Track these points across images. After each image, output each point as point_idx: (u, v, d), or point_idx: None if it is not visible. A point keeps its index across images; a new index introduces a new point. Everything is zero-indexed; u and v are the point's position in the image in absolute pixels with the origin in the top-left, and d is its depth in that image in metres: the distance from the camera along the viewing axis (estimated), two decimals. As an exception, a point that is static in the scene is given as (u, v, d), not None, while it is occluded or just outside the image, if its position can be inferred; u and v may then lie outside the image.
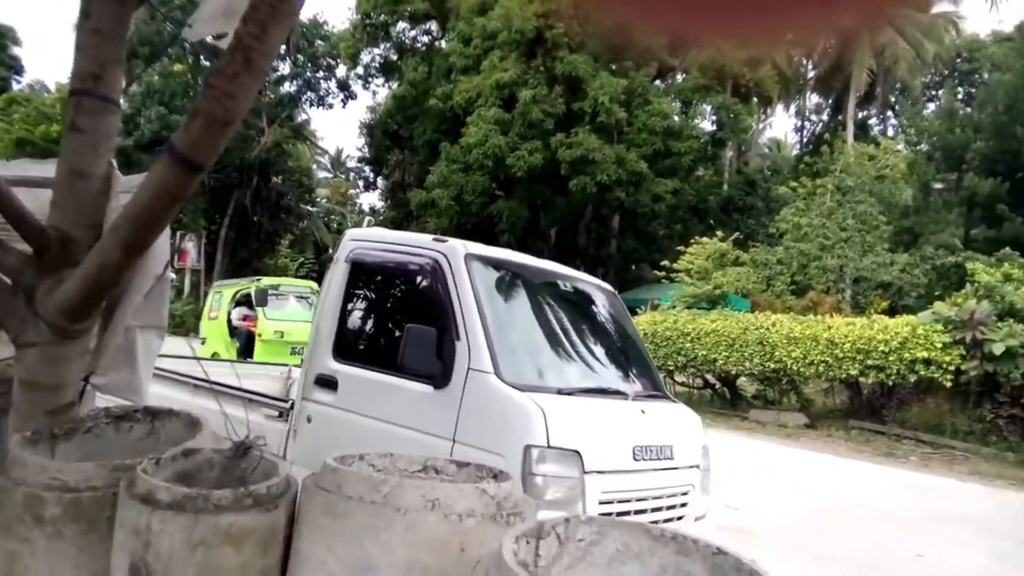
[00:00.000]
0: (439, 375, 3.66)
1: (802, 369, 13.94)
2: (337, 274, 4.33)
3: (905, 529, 7.70)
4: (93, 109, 2.65)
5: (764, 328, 14.79)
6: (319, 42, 33.46)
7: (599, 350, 4.48)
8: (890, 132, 36.39)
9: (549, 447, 3.36)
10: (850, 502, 8.70)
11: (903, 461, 11.64)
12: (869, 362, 12.92)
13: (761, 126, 41.67)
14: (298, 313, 12.90)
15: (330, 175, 50.79)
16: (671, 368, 16.30)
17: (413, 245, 4.21)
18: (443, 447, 3.46)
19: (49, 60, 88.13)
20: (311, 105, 35.37)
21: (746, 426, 14.11)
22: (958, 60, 36.89)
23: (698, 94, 26.97)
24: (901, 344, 12.61)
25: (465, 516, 1.91)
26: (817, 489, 9.29)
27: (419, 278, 4.07)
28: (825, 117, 40.22)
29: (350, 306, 4.30)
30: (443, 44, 32.34)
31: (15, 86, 39.39)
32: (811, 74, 37.09)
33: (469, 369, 3.59)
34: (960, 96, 36.28)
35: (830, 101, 38.17)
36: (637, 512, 3.68)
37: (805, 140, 40.46)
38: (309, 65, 33.58)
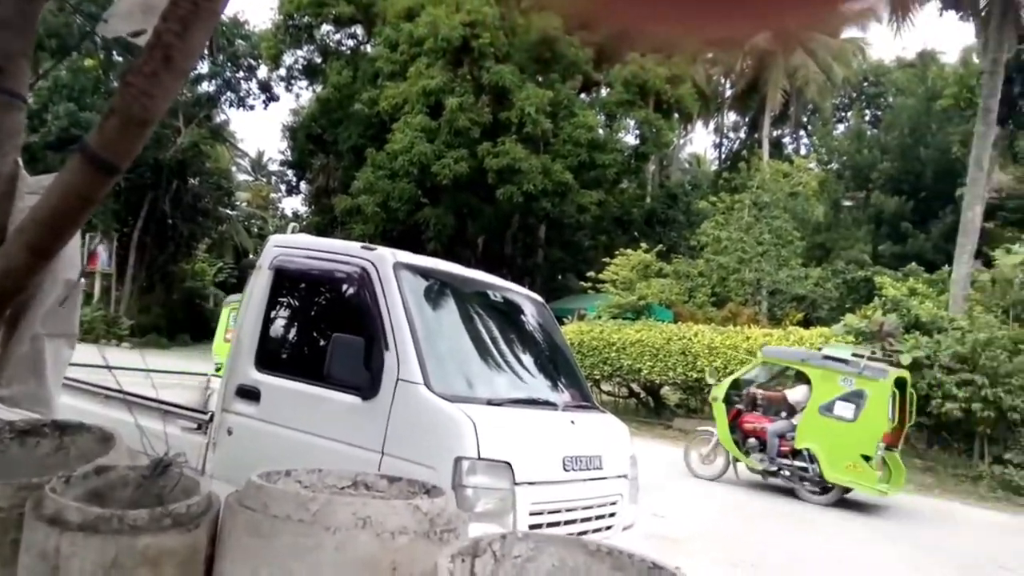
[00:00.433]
0: (367, 386, 3.59)
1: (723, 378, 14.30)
2: (260, 281, 4.19)
3: (820, 532, 7.99)
4: (-2, 104, 2.48)
5: (687, 338, 15.14)
6: (240, 42, 32.47)
7: (529, 360, 4.48)
8: (803, 151, 38.12)
9: (480, 459, 3.33)
10: (767, 508, 9.01)
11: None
12: (786, 372, 13.34)
13: (682, 141, 42.86)
14: None
15: (251, 178, 49.33)
16: (597, 377, 16.50)
17: (340, 253, 4.12)
18: (371, 459, 3.39)
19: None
20: (231, 106, 34.23)
21: (670, 435, 14.41)
22: (865, 84, 38.95)
23: (622, 108, 27.45)
24: (816, 354, 13.07)
25: (397, 534, 1.85)
26: (738, 496, 9.56)
27: (346, 286, 3.99)
28: (742, 135, 41.75)
29: (274, 314, 4.18)
30: (369, 49, 31.98)
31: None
32: (728, 93, 38.38)
33: (398, 380, 3.53)
34: (867, 118, 38.33)
35: (747, 119, 39.62)
36: (567, 523, 3.68)
37: (724, 156, 41.78)
38: (229, 64, 32.57)
